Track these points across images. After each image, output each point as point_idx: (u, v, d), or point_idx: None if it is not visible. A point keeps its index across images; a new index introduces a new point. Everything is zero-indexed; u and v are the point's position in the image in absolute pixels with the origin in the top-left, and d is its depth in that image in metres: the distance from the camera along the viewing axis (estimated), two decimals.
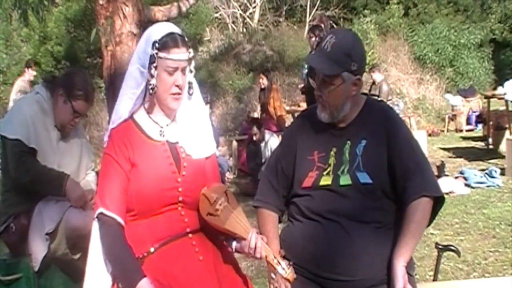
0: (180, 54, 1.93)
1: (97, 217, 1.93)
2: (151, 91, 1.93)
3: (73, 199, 2.91)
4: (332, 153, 2.13)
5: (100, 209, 1.91)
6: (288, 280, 1.83)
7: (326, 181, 2.10)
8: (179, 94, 1.96)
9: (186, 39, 1.98)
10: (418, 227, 2.03)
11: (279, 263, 1.83)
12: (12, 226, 3.00)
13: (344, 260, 2.01)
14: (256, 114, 10.89)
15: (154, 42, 1.91)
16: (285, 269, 1.81)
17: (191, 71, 1.99)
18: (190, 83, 2.00)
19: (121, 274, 1.88)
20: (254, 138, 7.81)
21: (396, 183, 2.07)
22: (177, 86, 1.94)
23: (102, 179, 1.97)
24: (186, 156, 2.01)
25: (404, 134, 2.15)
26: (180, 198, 1.96)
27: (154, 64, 1.91)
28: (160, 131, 2.01)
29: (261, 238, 1.91)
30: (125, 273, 1.86)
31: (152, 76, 1.91)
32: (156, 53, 1.90)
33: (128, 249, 1.88)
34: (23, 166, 2.91)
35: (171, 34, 1.93)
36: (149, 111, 2.02)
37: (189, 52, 1.96)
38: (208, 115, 6.88)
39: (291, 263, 1.83)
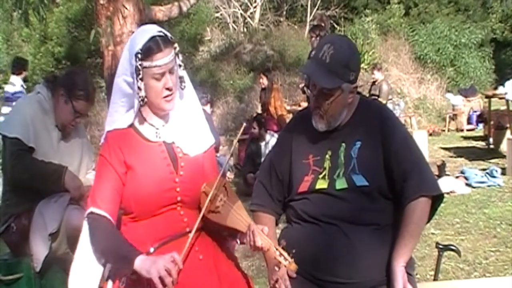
0: (164, 58, 1.89)
1: (87, 216, 1.94)
2: (141, 102, 1.92)
3: (72, 188, 2.92)
4: (327, 156, 2.12)
5: (90, 209, 1.92)
6: (291, 269, 1.83)
7: (322, 184, 2.09)
8: (170, 94, 1.95)
9: (169, 35, 1.94)
10: (417, 228, 2.03)
11: (282, 254, 1.82)
12: (13, 226, 3.00)
13: (344, 263, 2.00)
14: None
15: (137, 54, 1.87)
16: (288, 260, 1.81)
17: (180, 66, 1.97)
18: (181, 77, 1.99)
19: (116, 259, 1.87)
20: (252, 131, 7.80)
21: (394, 183, 2.06)
22: (167, 88, 1.93)
23: (96, 180, 1.98)
24: (183, 155, 2.00)
25: (400, 133, 2.13)
26: (179, 198, 1.95)
27: (140, 76, 1.88)
28: (156, 132, 2.00)
29: (261, 230, 1.88)
30: (120, 256, 1.85)
31: (139, 88, 1.89)
32: (140, 64, 1.87)
33: (119, 235, 1.89)
34: (21, 163, 2.91)
35: (152, 39, 1.89)
36: (144, 115, 2.01)
37: (174, 48, 1.93)
38: (208, 113, 6.92)
39: (293, 251, 1.82)
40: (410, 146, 2.11)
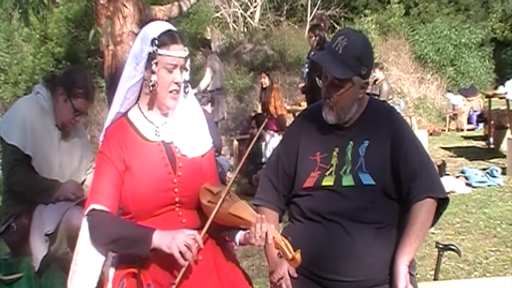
0: (179, 51, 1.92)
1: (88, 213, 1.92)
2: (151, 87, 1.91)
3: (72, 192, 2.95)
4: (334, 153, 2.13)
5: (92, 205, 1.91)
6: (295, 261, 1.82)
7: (328, 181, 2.09)
8: (177, 91, 1.96)
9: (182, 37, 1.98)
10: (422, 228, 2.03)
11: (287, 245, 1.82)
12: (13, 226, 3.01)
13: (345, 261, 2.01)
14: None
15: (153, 39, 1.90)
16: (292, 252, 1.81)
17: (186, 70, 1.99)
18: (186, 81, 2.00)
19: (131, 243, 1.83)
20: (251, 130, 7.83)
21: (401, 184, 2.07)
22: (175, 83, 1.94)
23: (96, 177, 1.97)
24: (181, 156, 1.99)
25: (409, 135, 2.15)
26: (177, 199, 1.94)
27: (155, 61, 1.89)
28: (155, 130, 2.00)
29: (267, 224, 1.86)
30: (135, 238, 1.83)
31: (153, 72, 1.90)
32: (156, 50, 1.89)
33: (128, 221, 1.90)
34: (16, 175, 2.93)
35: (169, 31, 1.93)
36: (144, 110, 2.01)
37: (186, 50, 1.96)
38: (209, 113, 6.91)
39: (298, 249, 1.82)
40: (418, 148, 2.13)
